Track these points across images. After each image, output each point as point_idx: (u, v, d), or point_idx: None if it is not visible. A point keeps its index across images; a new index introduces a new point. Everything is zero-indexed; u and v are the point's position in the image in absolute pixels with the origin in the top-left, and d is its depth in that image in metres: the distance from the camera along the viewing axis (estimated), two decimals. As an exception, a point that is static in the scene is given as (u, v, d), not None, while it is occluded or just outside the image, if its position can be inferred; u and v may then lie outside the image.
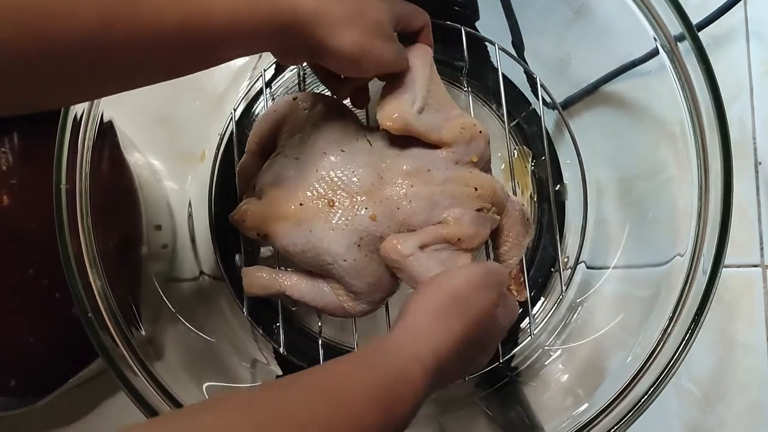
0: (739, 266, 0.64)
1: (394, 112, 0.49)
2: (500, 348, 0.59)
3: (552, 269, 0.62)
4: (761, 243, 0.64)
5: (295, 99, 0.53)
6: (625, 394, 0.47)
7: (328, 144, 0.51)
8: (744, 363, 0.63)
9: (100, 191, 0.49)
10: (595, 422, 0.46)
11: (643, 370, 0.47)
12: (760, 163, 0.64)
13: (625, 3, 0.49)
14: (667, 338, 0.47)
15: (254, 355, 0.61)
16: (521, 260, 0.57)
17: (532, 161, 0.63)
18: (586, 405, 0.49)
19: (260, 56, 0.62)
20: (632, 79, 0.55)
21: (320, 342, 0.59)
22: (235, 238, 0.57)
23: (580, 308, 0.59)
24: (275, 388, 0.37)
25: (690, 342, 0.46)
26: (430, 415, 0.57)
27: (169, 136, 0.62)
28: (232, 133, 0.61)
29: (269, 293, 0.53)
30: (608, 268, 0.58)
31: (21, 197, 0.55)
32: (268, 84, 0.63)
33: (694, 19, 0.58)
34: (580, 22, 0.56)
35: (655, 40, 0.49)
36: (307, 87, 0.62)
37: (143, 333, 0.50)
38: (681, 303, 0.47)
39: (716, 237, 0.47)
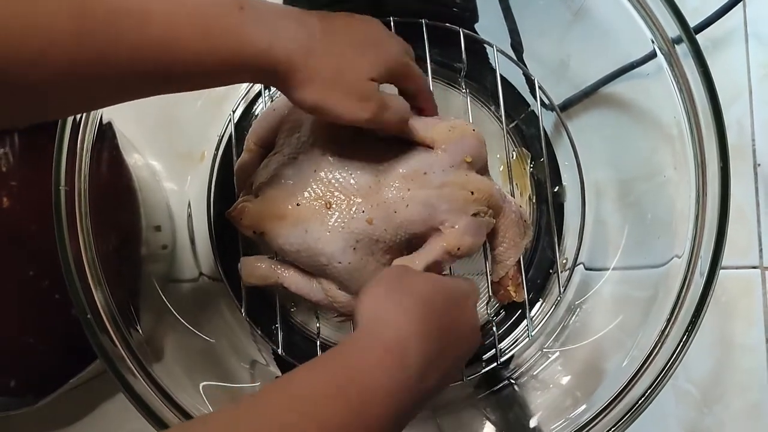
0: (737, 268, 0.64)
1: None
2: (498, 349, 0.59)
3: (551, 271, 0.62)
4: (760, 245, 0.64)
5: None
6: (623, 395, 0.47)
7: (327, 145, 0.51)
8: (742, 364, 0.63)
9: (100, 192, 0.49)
10: (594, 423, 0.47)
11: (641, 372, 0.47)
12: (758, 165, 0.64)
13: (623, 5, 0.49)
14: (664, 340, 0.47)
15: (253, 356, 0.61)
16: (519, 261, 0.57)
17: (530, 163, 0.63)
18: (584, 406, 0.49)
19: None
20: (630, 81, 0.55)
21: (318, 343, 0.59)
22: (234, 238, 0.57)
23: (578, 309, 0.59)
24: (240, 410, 0.34)
25: (687, 343, 0.46)
26: (430, 417, 0.57)
27: (168, 137, 0.62)
28: (231, 134, 0.61)
29: (267, 284, 0.53)
30: (607, 269, 0.58)
31: (21, 198, 0.55)
32: (267, 86, 0.63)
33: (693, 21, 0.58)
34: (579, 24, 0.56)
35: (653, 42, 0.49)
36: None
37: (142, 334, 0.50)
38: (678, 304, 0.47)
39: (713, 239, 0.47)
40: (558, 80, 0.61)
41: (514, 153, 0.64)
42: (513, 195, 0.59)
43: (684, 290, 0.47)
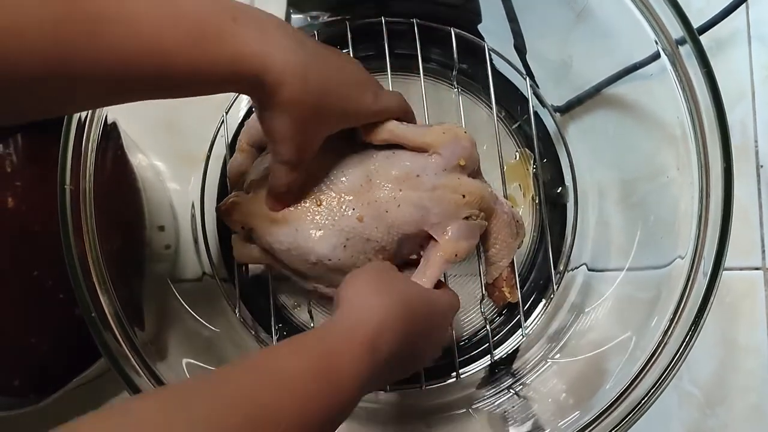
0: (741, 269, 0.64)
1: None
2: (492, 346, 0.59)
3: (553, 271, 0.62)
4: (763, 246, 0.64)
5: None
6: (625, 396, 0.47)
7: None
8: (745, 365, 0.63)
9: (104, 192, 0.49)
10: (596, 424, 0.47)
11: (644, 372, 0.47)
12: (761, 166, 0.64)
13: (627, 6, 0.49)
14: (667, 340, 0.47)
15: (256, 356, 0.61)
16: (512, 262, 0.57)
17: (533, 164, 0.63)
18: (586, 407, 0.49)
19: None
20: (634, 82, 0.55)
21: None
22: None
23: (581, 310, 0.59)
24: (216, 377, 0.35)
25: (690, 344, 0.46)
26: (423, 420, 0.58)
27: (172, 137, 0.63)
28: (230, 133, 0.61)
29: (259, 262, 0.54)
30: (609, 270, 0.58)
31: (25, 198, 0.55)
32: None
33: (696, 23, 0.58)
34: (582, 25, 0.56)
35: (657, 43, 0.49)
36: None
37: (146, 333, 0.50)
38: (681, 305, 0.47)
39: (716, 239, 0.47)
40: (561, 81, 0.61)
41: (517, 154, 0.64)
42: (515, 196, 0.59)
43: (687, 291, 0.47)
